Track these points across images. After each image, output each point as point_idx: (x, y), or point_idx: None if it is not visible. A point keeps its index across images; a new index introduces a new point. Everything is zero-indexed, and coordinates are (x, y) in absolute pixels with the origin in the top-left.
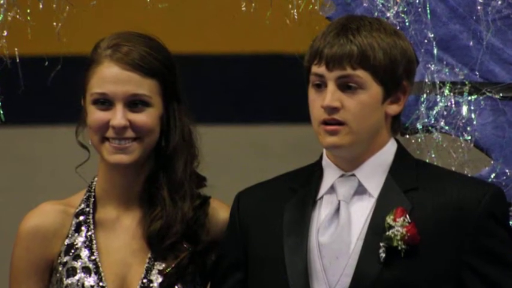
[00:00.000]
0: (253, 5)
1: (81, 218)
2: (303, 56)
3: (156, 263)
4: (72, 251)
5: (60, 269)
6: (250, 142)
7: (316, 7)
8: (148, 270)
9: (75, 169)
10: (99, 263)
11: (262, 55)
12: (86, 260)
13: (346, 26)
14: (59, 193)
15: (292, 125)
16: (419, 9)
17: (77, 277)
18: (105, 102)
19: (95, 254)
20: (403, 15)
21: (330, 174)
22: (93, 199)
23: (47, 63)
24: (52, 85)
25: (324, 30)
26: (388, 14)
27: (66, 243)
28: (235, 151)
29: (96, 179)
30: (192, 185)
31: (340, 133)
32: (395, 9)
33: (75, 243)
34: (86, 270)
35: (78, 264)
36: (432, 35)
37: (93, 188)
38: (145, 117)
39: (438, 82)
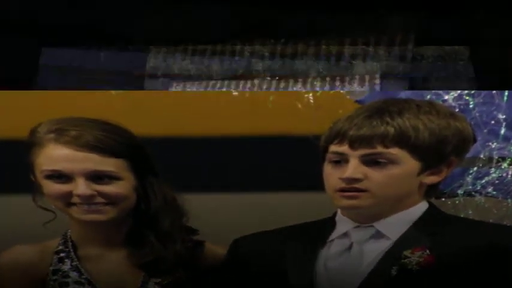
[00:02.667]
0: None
1: (62, 254)
2: (318, 137)
3: (151, 279)
4: (60, 273)
5: (51, 283)
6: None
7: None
8: (145, 283)
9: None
10: (91, 280)
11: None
12: (77, 278)
13: (383, 109)
14: None
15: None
16: (494, 91)
17: None
18: (61, 176)
19: (84, 274)
20: (467, 98)
21: (344, 224)
22: (70, 243)
23: None
24: None
25: (349, 114)
26: (446, 97)
27: (51, 269)
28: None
29: (69, 231)
30: (183, 235)
31: (360, 198)
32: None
33: (61, 269)
34: (79, 283)
35: (70, 280)
36: (504, 116)
37: (69, 236)
38: (116, 189)
39: (497, 157)
